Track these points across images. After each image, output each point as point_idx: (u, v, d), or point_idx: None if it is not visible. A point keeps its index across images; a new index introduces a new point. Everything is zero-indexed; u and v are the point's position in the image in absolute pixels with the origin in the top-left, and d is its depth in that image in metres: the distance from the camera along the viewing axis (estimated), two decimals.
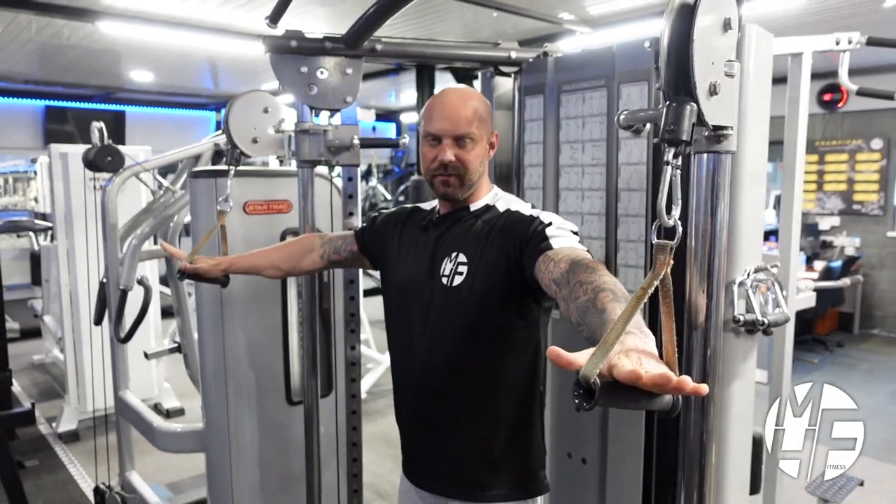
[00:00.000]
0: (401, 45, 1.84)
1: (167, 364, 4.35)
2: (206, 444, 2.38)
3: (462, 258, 1.35)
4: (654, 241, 0.79)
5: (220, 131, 3.04)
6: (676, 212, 0.84)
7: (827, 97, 6.30)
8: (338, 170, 2.03)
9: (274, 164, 3.80)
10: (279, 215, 2.28)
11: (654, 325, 0.85)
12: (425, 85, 6.09)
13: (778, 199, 2.95)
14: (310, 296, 1.91)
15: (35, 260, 5.71)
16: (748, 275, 1.40)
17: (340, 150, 1.82)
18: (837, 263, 6.04)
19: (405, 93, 9.14)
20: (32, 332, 5.85)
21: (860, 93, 2.23)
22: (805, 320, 5.80)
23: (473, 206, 1.41)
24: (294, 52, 1.71)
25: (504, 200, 1.42)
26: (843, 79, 2.22)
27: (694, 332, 1.17)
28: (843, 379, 5.19)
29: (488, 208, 1.41)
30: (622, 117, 1.06)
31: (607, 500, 1.78)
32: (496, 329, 1.34)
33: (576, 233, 1.28)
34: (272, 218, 2.25)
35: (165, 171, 2.98)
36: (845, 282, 3.33)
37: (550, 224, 1.27)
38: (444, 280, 1.35)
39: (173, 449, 2.58)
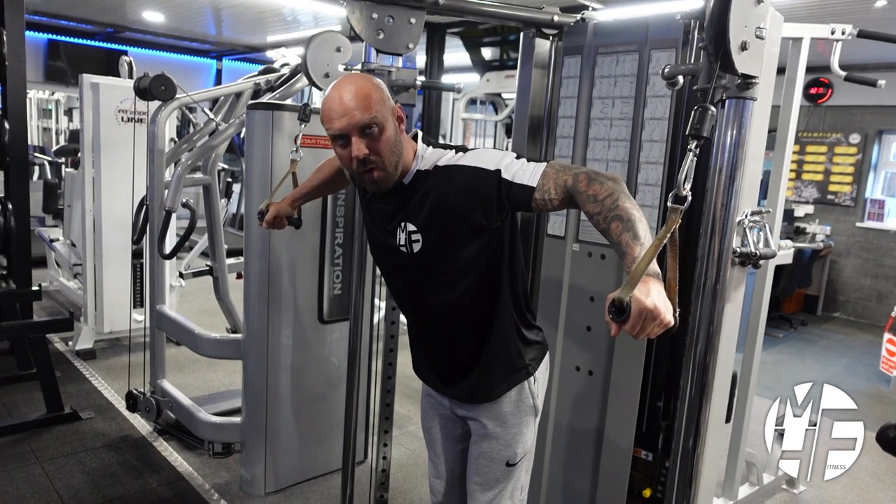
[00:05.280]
0: (459, 2, 2.07)
1: (178, 296, 4.57)
2: (245, 351, 2.64)
3: (411, 227, 1.41)
4: (670, 205, 1.07)
5: (256, 73, 3.25)
6: (688, 185, 1.09)
7: (813, 91, 6.68)
8: None
9: None
10: (323, 150, 2.53)
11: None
12: (436, 48, 6.27)
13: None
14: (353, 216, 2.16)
15: (48, 189, 5.80)
16: (746, 216, 1.70)
17: (401, 89, 2.06)
18: (808, 247, 6.45)
19: None
20: (37, 262, 5.97)
21: (848, 78, 2.52)
22: (774, 299, 6.21)
23: (406, 180, 1.41)
24: (368, 0, 1.94)
25: (429, 159, 1.42)
26: (835, 66, 2.51)
27: (705, 259, 1.47)
28: (804, 352, 5.62)
29: (420, 175, 1.41)
30: (667, 70, 1.33)
31: (609, 407, 2.09)
32: (466, 276, 1.45)
33: (519, 156, 1.33)
34: (318, 151, 2.50)
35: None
36: (818, 244, 3.68)
37: (499, 171, 1.30)
38: (404, 249, 1.44)
39: (213, 354, 2.83)
